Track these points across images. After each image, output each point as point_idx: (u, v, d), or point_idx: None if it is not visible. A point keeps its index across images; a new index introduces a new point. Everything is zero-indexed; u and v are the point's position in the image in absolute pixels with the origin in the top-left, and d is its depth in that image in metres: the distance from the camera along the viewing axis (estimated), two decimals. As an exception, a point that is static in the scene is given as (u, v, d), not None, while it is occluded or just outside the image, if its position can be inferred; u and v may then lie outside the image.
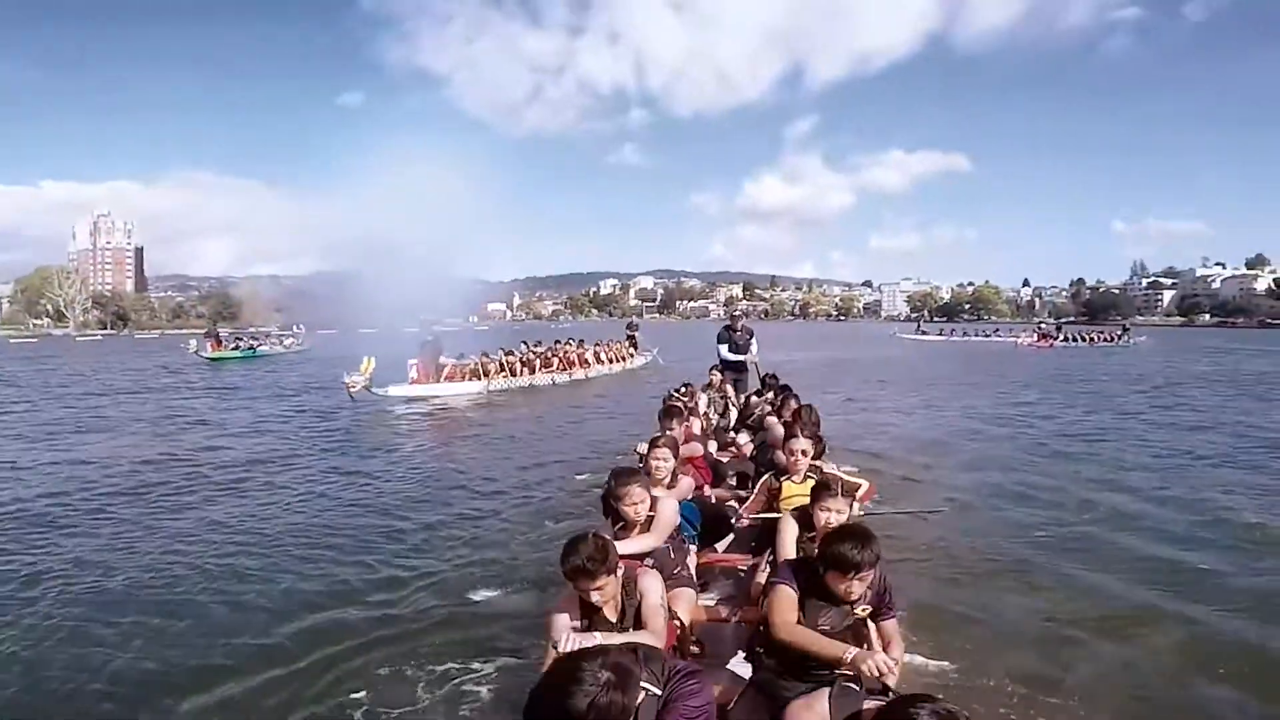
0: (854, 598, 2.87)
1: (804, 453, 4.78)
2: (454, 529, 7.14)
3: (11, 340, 70.23)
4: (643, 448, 5.90)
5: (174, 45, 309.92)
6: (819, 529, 3.72)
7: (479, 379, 20.18)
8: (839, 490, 3.90)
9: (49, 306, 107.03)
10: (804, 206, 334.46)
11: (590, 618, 2.95)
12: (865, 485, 5.68)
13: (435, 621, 4.94)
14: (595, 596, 2.85)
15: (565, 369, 23.12)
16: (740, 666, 3.31)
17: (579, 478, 9.13)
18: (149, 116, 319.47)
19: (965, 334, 63.56)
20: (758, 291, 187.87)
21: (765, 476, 5.06)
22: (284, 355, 36.81)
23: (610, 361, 26.05)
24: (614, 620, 2.95)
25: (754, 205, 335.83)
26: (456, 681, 4.09)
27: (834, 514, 3.75)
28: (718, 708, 2.71)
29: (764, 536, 4.59)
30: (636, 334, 30.37)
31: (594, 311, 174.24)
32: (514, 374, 21.25)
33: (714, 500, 5.68)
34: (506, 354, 21.87)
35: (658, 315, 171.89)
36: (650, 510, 3.88)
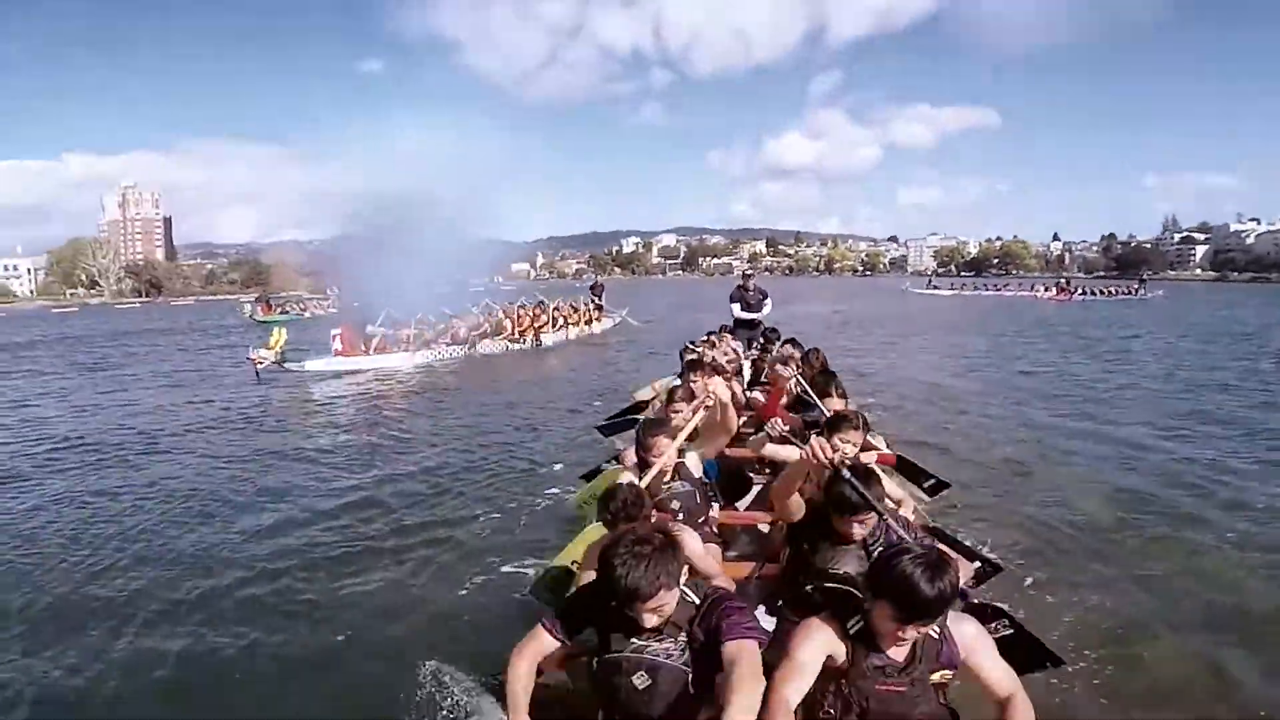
0: (857, 538, 2.92)
1: (853, 444, 3.95)
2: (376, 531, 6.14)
3: (53, 310, 72.18)
4: (646, 393, 5.94)
5: (189, 14, 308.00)
6: None
7: (416, 349, 18.18)
8: (858, 423, 3.92)
9: (83, 276, 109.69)
10: (829, 163, 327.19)
11: None
12: (883, 448, 5.28)
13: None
14: None
15: (518, 333, 20.74)
16: (764, 618, 3.35)
17: (531, 461, 8.22)
18: (167, 85, 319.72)
19: (977, 288, 63.12)
20: (781, 247, 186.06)
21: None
22: (324, 317, 37.40)
23: (570, 326, 23.50)
24: None
25: (778, 162, 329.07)
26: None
27: (850, 446, 3.76)
28: None
29: None
30: (600, 295, 27.58)
31: (617, 270, 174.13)
32: (457, 341, 19.17)
33: (729, 458, 5.52)
34: (451, 320, 19.84)
35: (680, 272, 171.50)
36: (677, 459, 3.96)
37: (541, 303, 23.03)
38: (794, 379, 5.99)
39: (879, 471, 3.26)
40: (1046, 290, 51.96)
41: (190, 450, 9.26)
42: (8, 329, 38.72)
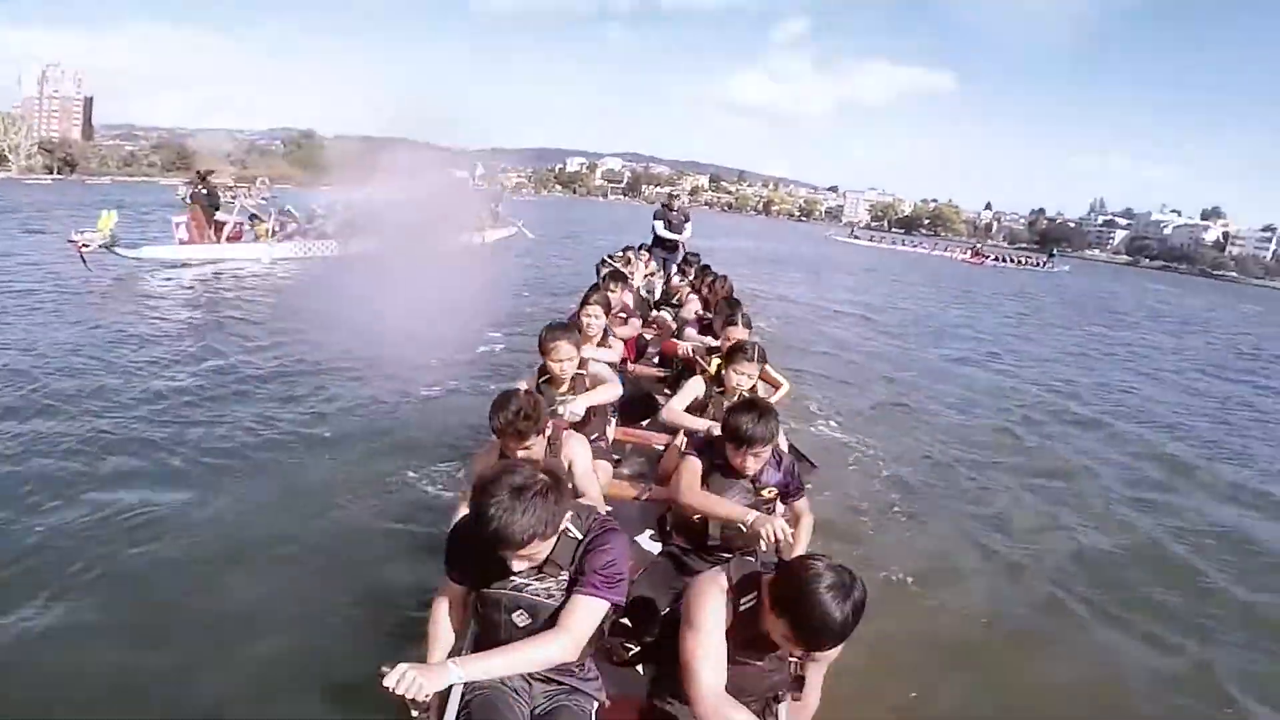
0: (749, 473, 2.92)
1: (748, 376, 3.91)
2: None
3: None
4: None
5: None
6: (728, 389, 3.81)
7: (276, 241, 16.47)
8: (754, 355, 3.84)
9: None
10: (783, 106, 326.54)
11: None
12: (786, 386, 5.20)
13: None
14: (521, 455, 2.73)
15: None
16: (648, 543, 3.43)
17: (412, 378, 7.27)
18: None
19: (893, 243, 65.66)
20: (724, 184, 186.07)
21: (693, 384, 4.12)
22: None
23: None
24: None
25: (734, 99, 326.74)
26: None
27: (745, 378, 3.78)
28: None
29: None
30: (498, 205, 26.19)
31: (559, 187, 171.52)
32: (324, 236, 17.20)
33: (632, 374, 5.59)
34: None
35: (622, 197, 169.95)
36: (579, 369, 3.76)
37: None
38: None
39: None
40: (962, 254, 54.59)
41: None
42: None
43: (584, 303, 4.79)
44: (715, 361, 4.15)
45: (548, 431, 2.92)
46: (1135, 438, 8.48)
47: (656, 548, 3.25)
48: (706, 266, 8.80)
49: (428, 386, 7.17)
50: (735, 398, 3.69)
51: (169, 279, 12.98)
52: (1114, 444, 8.09)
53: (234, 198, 16.87)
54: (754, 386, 3.89)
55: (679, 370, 5.51)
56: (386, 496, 4.78)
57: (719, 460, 2.96)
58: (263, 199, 17.67)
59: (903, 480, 6.06)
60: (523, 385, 3.40)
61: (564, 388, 3.71)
